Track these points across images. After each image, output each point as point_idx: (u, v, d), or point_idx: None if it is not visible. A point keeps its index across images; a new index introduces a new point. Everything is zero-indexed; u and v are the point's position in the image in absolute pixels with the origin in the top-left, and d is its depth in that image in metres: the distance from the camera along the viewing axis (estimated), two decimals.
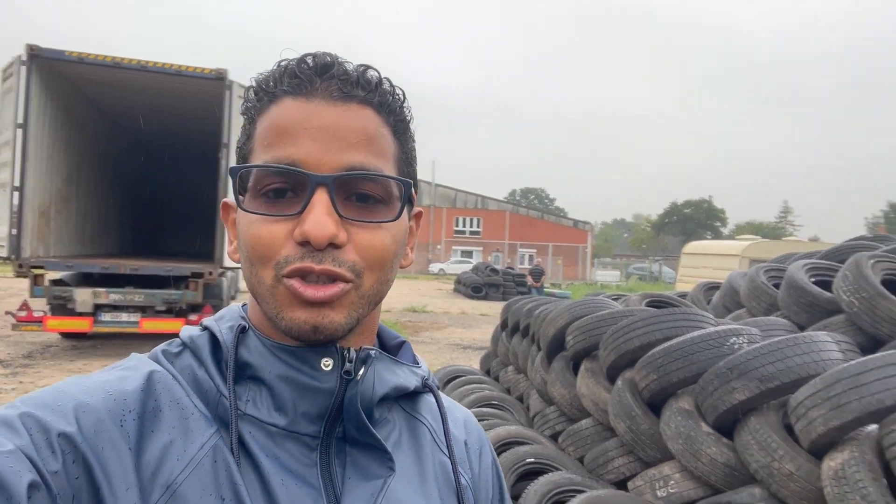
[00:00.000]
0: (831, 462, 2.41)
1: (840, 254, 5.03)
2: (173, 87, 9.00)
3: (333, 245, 0.57)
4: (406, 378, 0.68)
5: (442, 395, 0.75)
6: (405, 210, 0.64)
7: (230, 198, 0.67)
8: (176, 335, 0.66)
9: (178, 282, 8.89)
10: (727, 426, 2.92)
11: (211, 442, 0.57)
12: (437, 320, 15.29)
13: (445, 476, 0.69)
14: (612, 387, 3.60)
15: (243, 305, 0.68)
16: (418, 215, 0.72)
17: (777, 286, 4.69)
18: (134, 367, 0.61)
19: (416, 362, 0.73)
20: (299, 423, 0.60)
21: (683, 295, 5.87)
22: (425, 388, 0.71)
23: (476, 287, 23.45)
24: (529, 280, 21.36)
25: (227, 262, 8.91)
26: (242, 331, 0.63)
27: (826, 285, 4.29)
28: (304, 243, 0.57)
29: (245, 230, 0.60)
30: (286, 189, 0.59)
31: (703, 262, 17.67)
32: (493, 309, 18.96)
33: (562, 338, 4.41)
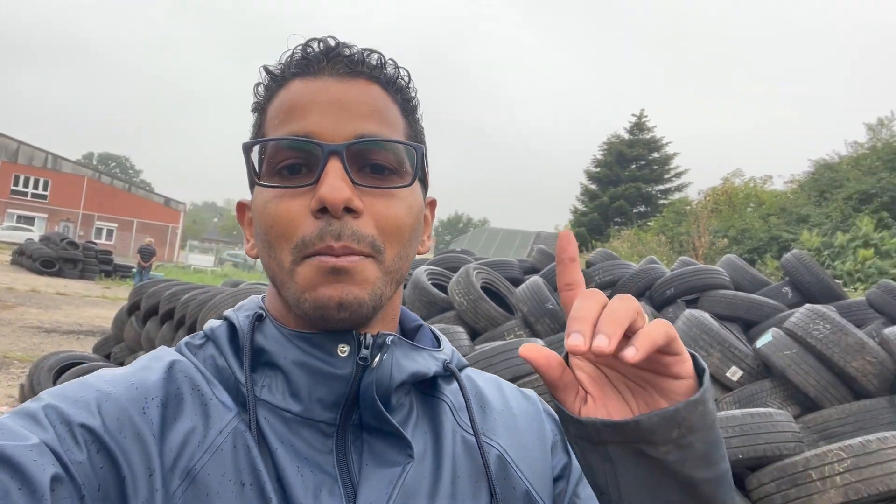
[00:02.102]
0: None
1: (443, 263, 6.35)
2: None
3: (350, 211, 0.56)
4: (425, 364, 0.64)
5: (466, 373, 0.71)
6: (418, 183, 0.63)
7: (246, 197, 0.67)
8: None
9: None
10: None
11: (230, 426, 0.57)
12: (0, 297, 12.63)
13: (468, 452, 0.65)
14: None
15: (263, 297, 0.67)
16: (433, 203, 0.71)
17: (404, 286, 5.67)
18: (157, 358, 0.61)
19: (436, 344, 0.70)
20: (314, 410, 0.59)
21: None
22: (447, 371, 0.67)
23: (47, 261, 20.01)
24: (138, 259, 19.24)
25: None
26: (259, 319, 0.62)
27: (441, 287, 5.43)
28: (321, 212, 0.56)
29: (262, 211, 0.59)
30: (300, 165, 0.58)
31: None
32: (73, 288, 16.61)
33: None
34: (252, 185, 0.62)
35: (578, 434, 0.54)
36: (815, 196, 18.44)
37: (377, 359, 0.60)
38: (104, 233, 41.06)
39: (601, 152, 30.08)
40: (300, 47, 0.61)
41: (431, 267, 5.88)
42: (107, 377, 0.57)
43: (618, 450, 0.52)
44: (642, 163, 29.31)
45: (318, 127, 0.58)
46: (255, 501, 0.54)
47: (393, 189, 0.60)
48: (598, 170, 29.66)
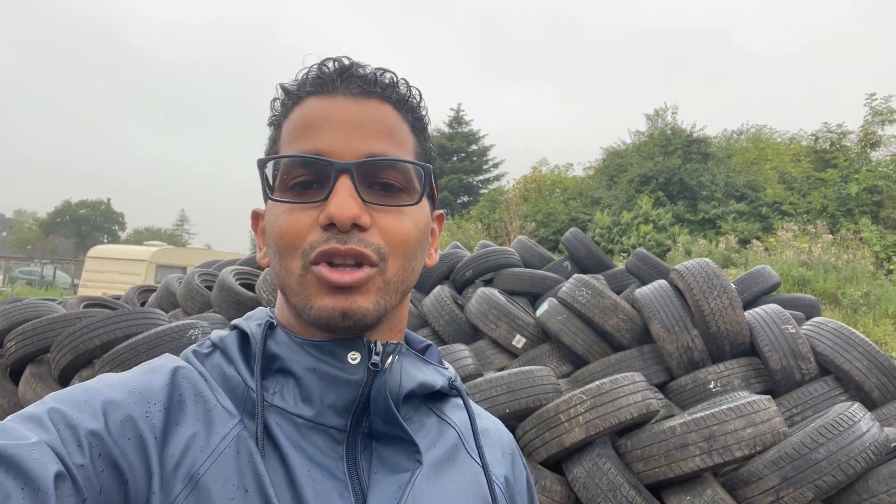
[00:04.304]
0: None
1: (252, 262, 6.29)
2: None
3: (358, 227, 0.59)
4: (432, 376, 0.67)
5: (471, 400, 0.74)
6: (426, 200, 0.66)
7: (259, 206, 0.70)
8: None
9: None
10: None
11: (234, 433, 0.57)
12: None
13: (475, 483, 0.67)
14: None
15: (271, 309, 0.69)
16: (440, 217, 0.73)
17: (209, 288, 5.54)
18: (160, 365, 0.61)
19: (442, 364, 0.73)
20: (326, 415, 0.60)
21: (118, 297, 6.10)
22: (452, 389, 0.70)
23: None
24: None
25: None
26: (270, 326, 0.64)
27: (249, 287, 5.39)
28: (329, 226, 0.58)
29: (273, 223, 0.62)
30: (312, 181, 0.61)
31: (111, 267, 17.34)
32: None
33: None
34: (266, 198, 0.65)
35: None
36: (606, 180, 20.65)
37: (388, 362, 0.63)
38: None
39: None
40: (316, 66, 0.64)
41: (239, 267, 5.80)
42: (110, 382, 0.58)
43: None
44: (462, 155, 30.61)
45: (331, 145, 0.60)
46: None
47: (401, 206, 0.62)
48: None
